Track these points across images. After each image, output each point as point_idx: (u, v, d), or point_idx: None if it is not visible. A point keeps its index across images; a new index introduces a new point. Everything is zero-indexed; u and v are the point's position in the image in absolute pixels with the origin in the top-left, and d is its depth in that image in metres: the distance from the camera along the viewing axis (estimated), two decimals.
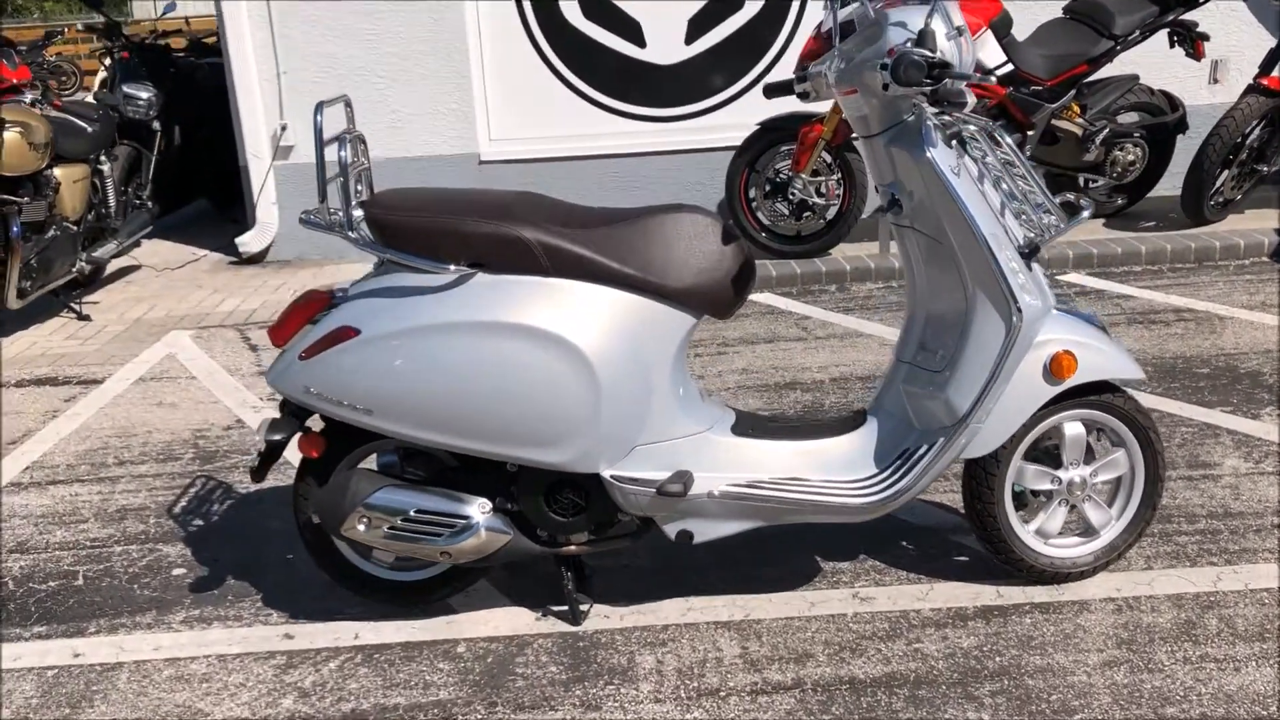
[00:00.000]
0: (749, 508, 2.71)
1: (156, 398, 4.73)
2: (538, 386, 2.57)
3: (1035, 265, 2.71)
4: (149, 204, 6.91)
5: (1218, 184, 6.09)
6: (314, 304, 2.72)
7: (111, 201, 6.38)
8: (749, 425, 2.84)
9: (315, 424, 2.79)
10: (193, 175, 8.12)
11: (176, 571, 3.26)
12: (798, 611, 2.90)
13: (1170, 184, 6.41)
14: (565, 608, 2.90)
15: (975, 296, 2.66)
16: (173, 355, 5.27)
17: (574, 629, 2.86)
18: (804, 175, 5.86)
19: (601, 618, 2.91)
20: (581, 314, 2.58)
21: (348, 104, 2.87)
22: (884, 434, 2.84)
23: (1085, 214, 2.68)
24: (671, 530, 2.75)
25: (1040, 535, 2.91)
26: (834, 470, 2.79)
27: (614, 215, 2.69)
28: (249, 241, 6.89)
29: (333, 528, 2.72)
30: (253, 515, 3.57)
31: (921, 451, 2.73)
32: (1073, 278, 5.76)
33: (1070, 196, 2.70)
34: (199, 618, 3.01)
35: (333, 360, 2.61)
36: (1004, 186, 2.71)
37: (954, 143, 2.64)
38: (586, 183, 6.89)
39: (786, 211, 6.00)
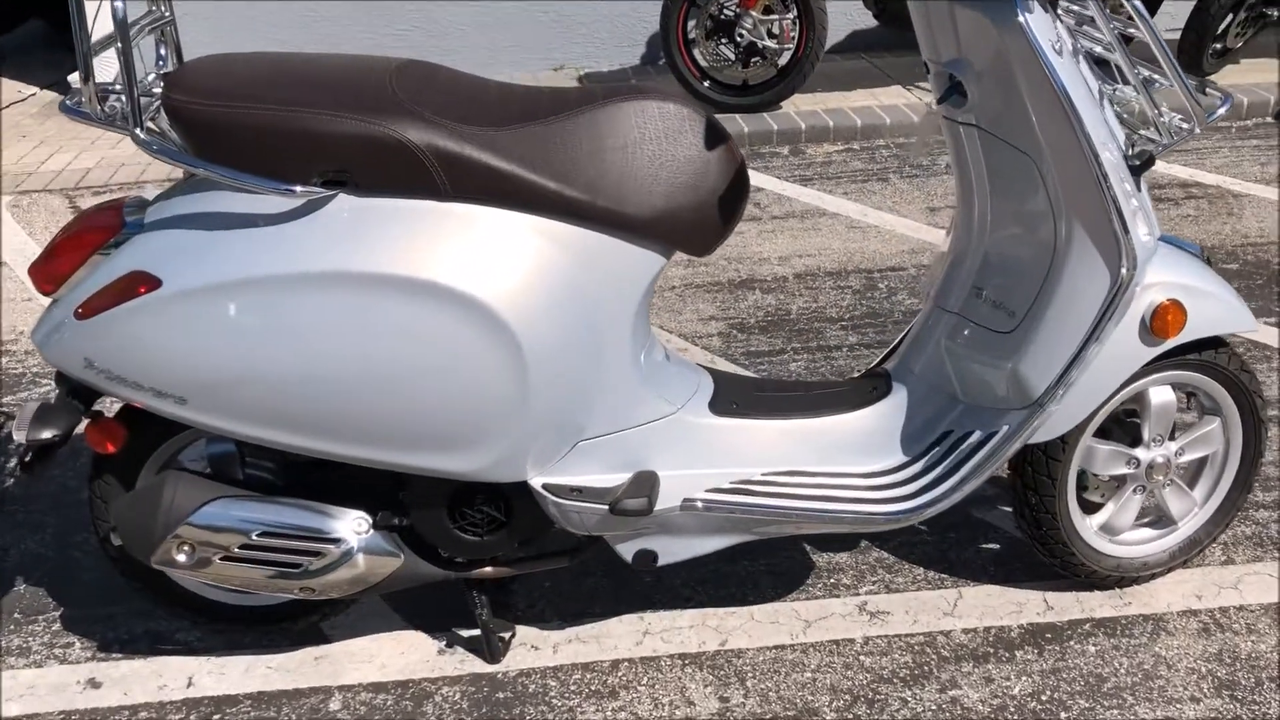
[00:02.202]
0: (735, 521, 1.95)
1: None
2: (433, 368, 1.73)
3: (1143, 183, 1.93)
4: None
5: (1221, 27, 5.31)
6: (97, 231, 1.81)
7: None
8: (732, 396, 2.05)
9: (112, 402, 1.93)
10: None
11: None
12: (790, 636, 2.18)
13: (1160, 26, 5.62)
14: (478, 631, 2.14)
15: (1070, 229, 1.86)
16: None
17: (490, 669, 2.12)
18: (754, 13, 4.95)
19: (528, 649, 2.16)
20: (497, 258, 1.73)
21: None
22: (914, 408, 2.08)
23: (1223, 108, 1.88)
24: (627, 551, 1.98)
25: (1106, 531, 2.22)
26: (846, 458, 2.04)
27: (542, 102, 1.81)
28: None
29: (142, 554, 1.89)
30: (64, 478, 2.71)
31: (974, 440, 1.98)
32: None
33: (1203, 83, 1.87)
34: None
35: (123, 323, 1.73)
36: (1094, 66, 1.90)
37: (1046, 3, 1.80)
38: (482, 22, 5.85)
39: (732, 56, 5.09)
